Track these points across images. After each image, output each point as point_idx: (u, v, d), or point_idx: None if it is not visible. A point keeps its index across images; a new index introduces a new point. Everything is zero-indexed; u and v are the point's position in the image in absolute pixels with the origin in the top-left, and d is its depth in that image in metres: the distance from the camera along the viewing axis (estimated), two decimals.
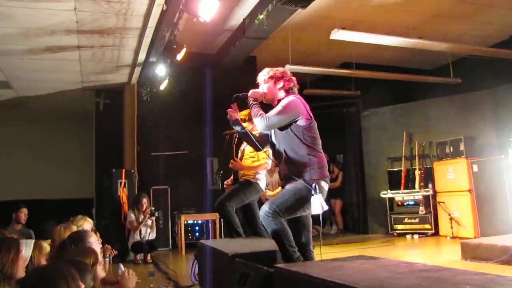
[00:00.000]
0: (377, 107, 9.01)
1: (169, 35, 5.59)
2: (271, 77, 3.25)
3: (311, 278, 2.24)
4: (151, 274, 5.25)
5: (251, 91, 3.27)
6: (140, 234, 6.55)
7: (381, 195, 8.27)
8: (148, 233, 6.65)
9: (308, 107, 3.16)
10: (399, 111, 8.79)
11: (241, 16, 6.48)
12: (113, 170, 7.24)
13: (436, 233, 7.57)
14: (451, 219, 7.15)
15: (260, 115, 3.08)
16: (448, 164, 7.50)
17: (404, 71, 8.95)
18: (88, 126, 9.20)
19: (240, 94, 3.30)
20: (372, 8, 6.64)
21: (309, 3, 5.06)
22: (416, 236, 7.70)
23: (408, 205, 8.03)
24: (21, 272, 2.14)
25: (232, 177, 4.85)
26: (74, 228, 3.30)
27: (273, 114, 3.08)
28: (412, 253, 6.39)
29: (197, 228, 7.48)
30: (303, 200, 2.96)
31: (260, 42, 6.81)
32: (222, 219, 5.14)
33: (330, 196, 7.50)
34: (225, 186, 4.97)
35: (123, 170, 7.30)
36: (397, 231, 7.97)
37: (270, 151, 3.59)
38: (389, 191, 8.25)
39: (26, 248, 2.36)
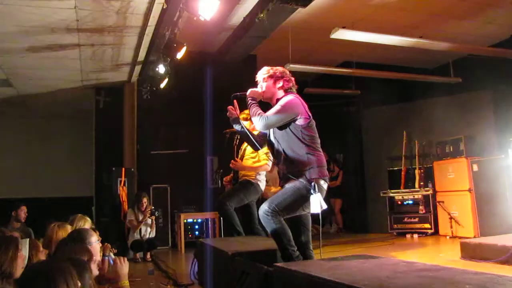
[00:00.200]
0: (377, 106, 9.00)
1: (169, 34, 5.58)
2: (270, 76, 3.25)
3: (310, 277, 2.24)
4: (151, 272, 5.25)
5: (249, 90, 3.27)
6: (140, 232, 6.55)
7: (381, 194, 8.27)
8: (148, 231, 6.65)
9: (306, 106, 3.16)
10: (400, 110, 8.78)
11: (242, 14, 6.47)
12: (113, 168, 7.25)
13: (436, 232, 7.57)
14: (451, 218, 7.15)
15: (258, 114, 3.08)
16: (448, 163, 7.50)
17: (405, 71, 8.93)
18: (88, 124, 9.19)
19: (238, 93, 3.30)
20: (372, 7, 6.64)
21: (309, 2, 5.06)
22: (415, 236, 7.70)
23: (408, 204, 8.03)
24: (20, 271, 2.13)
25: (231, 174, 4.85)
26: (68, 227, 3.29)
27: (271, 114, 3.07)
28: (412, 252, 6.39)
29: (196, 226, 7.48)
30: (302, 199, 2.96)
31: (261, 41, 6.80)
32: (222, 218, 5.15)
33: (330, 195, 7.50)
34: (224, 182, 4.97)
35: (123, 169, 7.31)
36: (397, 230, 7.97)
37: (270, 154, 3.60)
38: (389, 190, 8.25)
39: (23, 247, 2.35)
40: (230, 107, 3.30)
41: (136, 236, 6.53)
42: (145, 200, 6.63)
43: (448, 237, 7.16)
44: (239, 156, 4.78)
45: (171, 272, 5.08)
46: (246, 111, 4.15)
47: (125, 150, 7.89)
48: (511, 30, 7.83)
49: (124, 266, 2.79)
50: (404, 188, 8.18)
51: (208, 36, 7.52)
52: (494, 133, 7.54)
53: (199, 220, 7.51)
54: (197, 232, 7.44)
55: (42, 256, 2.69)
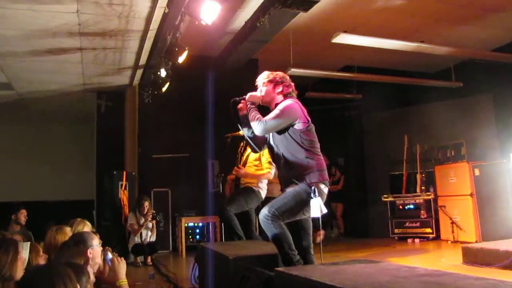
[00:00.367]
0: (379, 110, 9.00)
1: (171, 38, 5.60)
2: (270, 81, 3.26)
3: (311, 281, 2.23)
4: (152, 276, 5.25)
5: (248, 95, 3.27)
6: (141, 236, 6.54)
7: (382, 199, 8.25)
8: (149, 235, 6.64)
9: (305, 110, 3.16)
10: (401, 114, 8.78)
11: (243, 19, 6.49)
12: (114, 172, 7.25)
13: (437, 237, 7.54)
14: (452, 223, 7.13)
15: (257, 118, 3.08)
16: (449, 168, 7.48)
17: (406, 75, 8.94)
18: (89, 128, 9.22)
19: (237, 98, 3.30)
20: (373, 11, 6.65)
21: (310, 7, 5.06)
22: (417, 240, 7.68)
23: (409, 209, 8.00)
24: (20, 274, 2.13)
25: (235, 177, 4.86)
26: (68, 231, 3.28)
27: (270, 118, 3.08)
28: (413, 257, 6.36)
29: (197, 230, 7.46)
30: (302, 203, 2.95)
31: (262, 45, 6.81)
32: (223, 224, 5.15)
33: (331, 200, 7.49)
34: (228, 179, 4.98)
35: (124, 172, 7.30)
36: (398, 235, 7.94)
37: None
38: (390, 194, 8.23)
39: (23, 250, 2.35)
40: (240, 105, 3.26)
41: (137, 240, 6.52)
42: (146, 204, 6.62)
43: (449, 241, 7.14)
44: (242, 162, 4.77)
45: (172, 276, 5.08)
46: None
47: (127, 153, 7.90)
48: None
49: (121, 265, 2.78)
50: (406, 193, 8.16)
51: (210, 40, 7.54)
52: (496, 137, 7.53)
53: (200, 224, 7.49)
54: (198, 236, 7.43)
55: (42, 260, 2.68)
